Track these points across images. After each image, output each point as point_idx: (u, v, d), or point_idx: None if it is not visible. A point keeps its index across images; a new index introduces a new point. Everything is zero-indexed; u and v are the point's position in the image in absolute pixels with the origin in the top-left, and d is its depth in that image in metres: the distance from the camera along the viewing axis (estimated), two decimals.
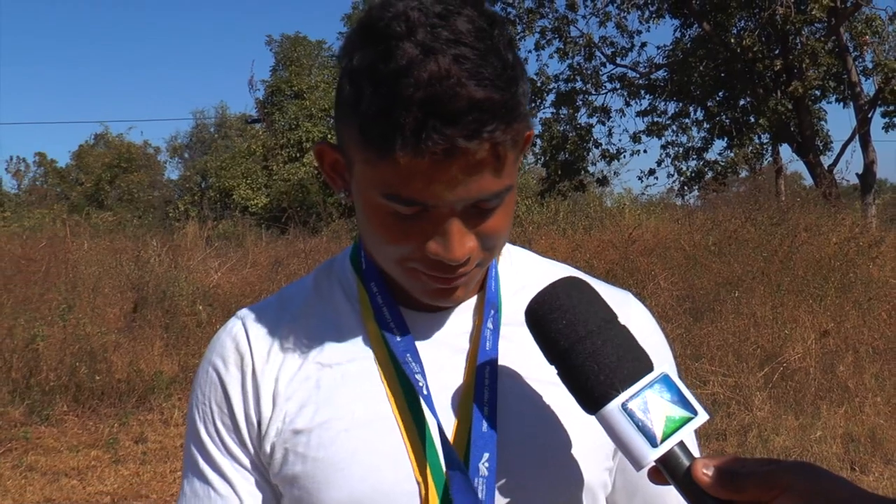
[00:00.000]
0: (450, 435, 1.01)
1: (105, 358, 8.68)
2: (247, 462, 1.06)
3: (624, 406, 0.87)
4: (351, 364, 1.07)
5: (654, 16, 20.50)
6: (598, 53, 20.77)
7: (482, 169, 0.91)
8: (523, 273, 1.16)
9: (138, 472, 6.90)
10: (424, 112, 0.85)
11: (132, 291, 10.74)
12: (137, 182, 40.71)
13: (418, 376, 1.02)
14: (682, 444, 0.87)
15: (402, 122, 0.85)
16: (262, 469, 1.06)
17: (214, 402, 1.08)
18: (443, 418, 1.01)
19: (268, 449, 1.05)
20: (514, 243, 1.22)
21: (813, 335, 7.78)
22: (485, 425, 1.00)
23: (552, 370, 0.95)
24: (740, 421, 6.68)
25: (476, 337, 1.07)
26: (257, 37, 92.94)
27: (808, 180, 19.23)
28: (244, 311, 1.15)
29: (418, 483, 1.00)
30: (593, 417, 0.91)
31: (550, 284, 0.96)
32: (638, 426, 0.86)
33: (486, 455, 0.99)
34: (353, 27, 0.97)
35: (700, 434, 0.89)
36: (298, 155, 30.77)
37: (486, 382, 1.02)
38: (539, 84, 20.79)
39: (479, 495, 0.97)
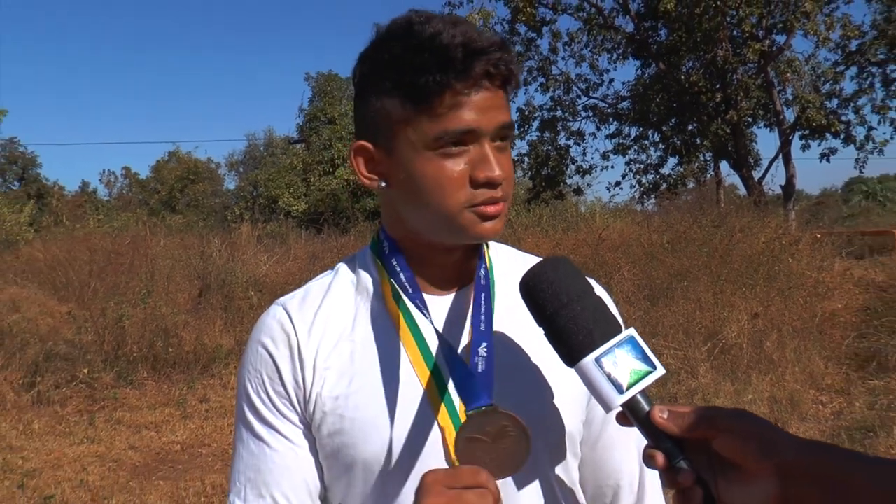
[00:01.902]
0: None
1: (176, 334, 8.72)
2: (296, 420, 1.05)
3: (597, 360, 0.88)
4: (377, 338, 1.06)
5: (619, 58, 20.48)
6: (574, 88, 20.71)
7: (500, 100, 0.99)
8: (509, 261, 1.16)
9: (202, 426, 6.95)
10: (465, 49, 0.94)
11: (198, 280, 10.76)
12: (202, 191, 40.79)
13: (430, 326, 1.01)
14: (643, 393, 0.88)
15: (453, 57, 0.94)
16: (307, 425, 1.05)
17: (266, 375, 1.06)
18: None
19: (311, 410, 1.04)
20: (505, 242, 1.22)
21: (745, 317, 7.74)
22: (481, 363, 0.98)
23: (539, 337, 0.96)
24: (688, 386, 6.66)
25: (472, 309, 1.04)
26: (298, 73, 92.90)
27: (742, 190, 19.12)
28: (283, 300, 1.13)
29: (441, 430, 1.00)
30: (572, 374, 0.91)
31: (540, 262, 0.97)
32: (608, 377, 0.87)
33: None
34: (369, 45, 1.03)
35: (655, 397, 0.90)
36: (331, 170, 30.68)
37: (482, 337, 1.00)
38: (526, 113, 20.75)
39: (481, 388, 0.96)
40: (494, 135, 0.99)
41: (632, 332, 0.91)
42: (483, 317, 1.01)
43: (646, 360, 0.89)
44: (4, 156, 40.42)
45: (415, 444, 1.00)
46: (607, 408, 0.88)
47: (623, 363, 0.88)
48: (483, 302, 1.03)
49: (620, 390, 0.87)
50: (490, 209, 0.99)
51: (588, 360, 0.88)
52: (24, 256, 12.50)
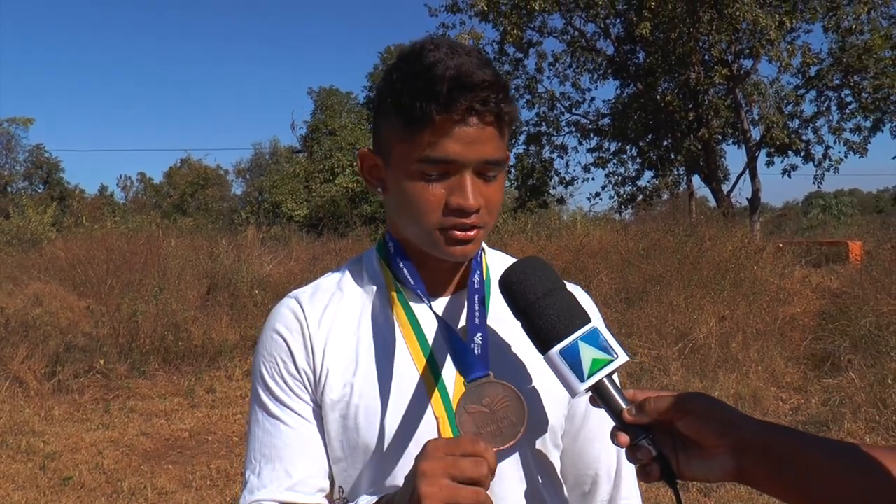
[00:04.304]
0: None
1: (186, 328, 8.68)
2: (308, 399, 1.06)
3: (561, 352, 0.90)
4: (381, 333, 1.06)
5: (600, 78, 20.48)
6: (558, 105, 20.71)
7: (488, 136, 0.97)
8: (503, 267, 1.12)
9: (209, 415, 6.93)
10: (453, 84, 0.92)
11: (206, 278, 10.70)
12: (211, 196, 40.63)
13: (429, 315, 1.02)
14: (610, 379, 0.89)
15: (438, 91, 0.92)
16: (318, 405, 1.06)
17: (280, 359, 1.06)
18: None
19: (319, 396, 1.05)
20: (493, 247, 1.23)
21: (713, 319, 7.74)
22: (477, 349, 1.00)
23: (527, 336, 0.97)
24: (660, 383, 6.66)
25: (466, 312, 1.06)
26: (301, 88, 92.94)
27: (712, 202, 19.21)
28: (296, 293, 1.13)
29: (436, 418, 1.01)
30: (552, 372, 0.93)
31: (515, 262, 0.99)
32: (571, 366, 0.89)
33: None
34: (389, 66, 1.03)
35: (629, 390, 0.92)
36: (331, 178, 30.51)
37: (477, 329, 1.02)
38: (514, 127, 20.76)
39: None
40: (478, 167, 0.98)
41: (595, 324, 0.92)
42: (477, 314, 1.03)
43: (607, 350, 0.90)
44: (31, 161, 40.23)
45: (412, 429, 1.02)
46: (572, 393, 0.90)
47: (584, 353, 0.90)
48: (477, 303, 1.04)
49: (581, 378, 0.89)
50: (459, 234, 0.99)
51: (553, 352, 0.91)
52: (47, 254, 12.45)
